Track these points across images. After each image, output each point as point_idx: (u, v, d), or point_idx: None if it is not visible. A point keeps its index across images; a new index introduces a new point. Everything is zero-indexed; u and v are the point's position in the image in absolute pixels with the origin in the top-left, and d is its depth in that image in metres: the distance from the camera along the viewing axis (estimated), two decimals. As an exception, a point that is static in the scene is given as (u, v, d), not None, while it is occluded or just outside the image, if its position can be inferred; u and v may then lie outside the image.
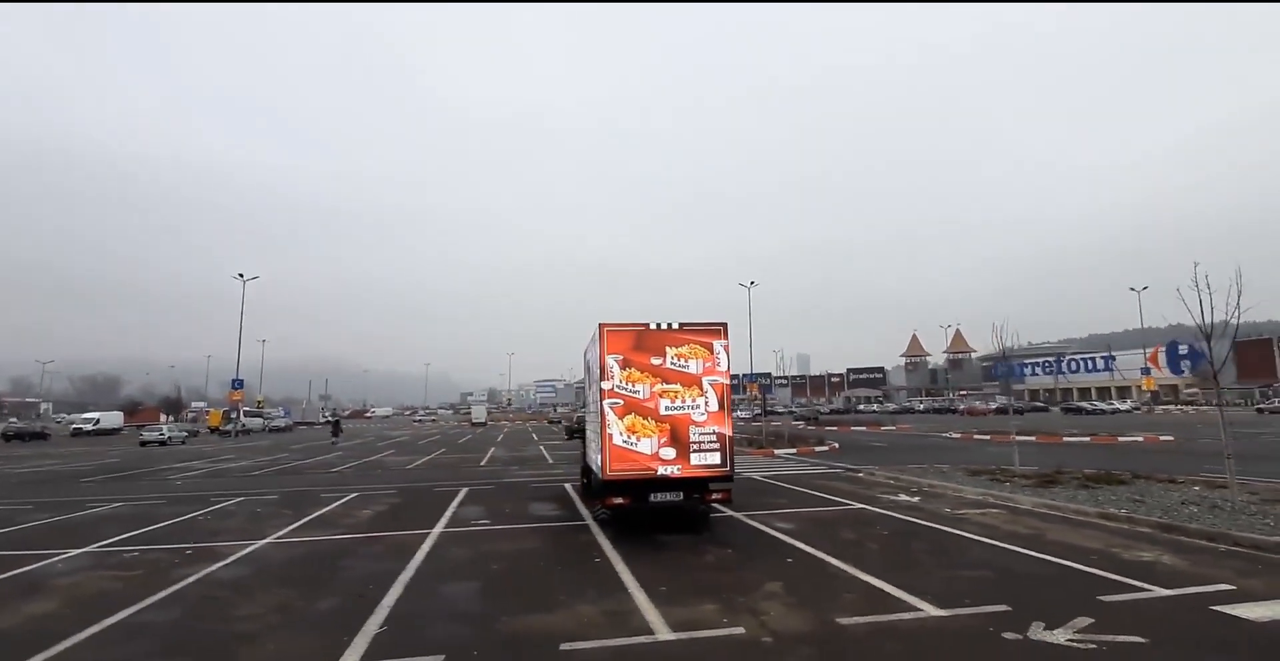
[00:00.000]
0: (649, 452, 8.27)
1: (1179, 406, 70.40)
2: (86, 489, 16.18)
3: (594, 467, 9.23)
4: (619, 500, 8.32)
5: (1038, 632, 4.66)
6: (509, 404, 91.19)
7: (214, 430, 54.38)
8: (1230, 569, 6.24)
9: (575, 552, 7.65)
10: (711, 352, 8.60)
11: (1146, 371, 74.72)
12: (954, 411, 71.37)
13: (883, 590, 5.79)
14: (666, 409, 8.38)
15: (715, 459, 8.41)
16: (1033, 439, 26.56)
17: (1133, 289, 68.86)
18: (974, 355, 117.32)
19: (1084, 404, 68.91)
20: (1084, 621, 4.84)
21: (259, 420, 58.72)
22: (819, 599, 5.57)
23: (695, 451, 8.37)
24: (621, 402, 8.31)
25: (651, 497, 8.42)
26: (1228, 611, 5.04)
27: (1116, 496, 10.12)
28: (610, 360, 8.38)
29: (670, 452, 8.32)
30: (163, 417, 69.04)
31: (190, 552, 8.05)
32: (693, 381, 8.50)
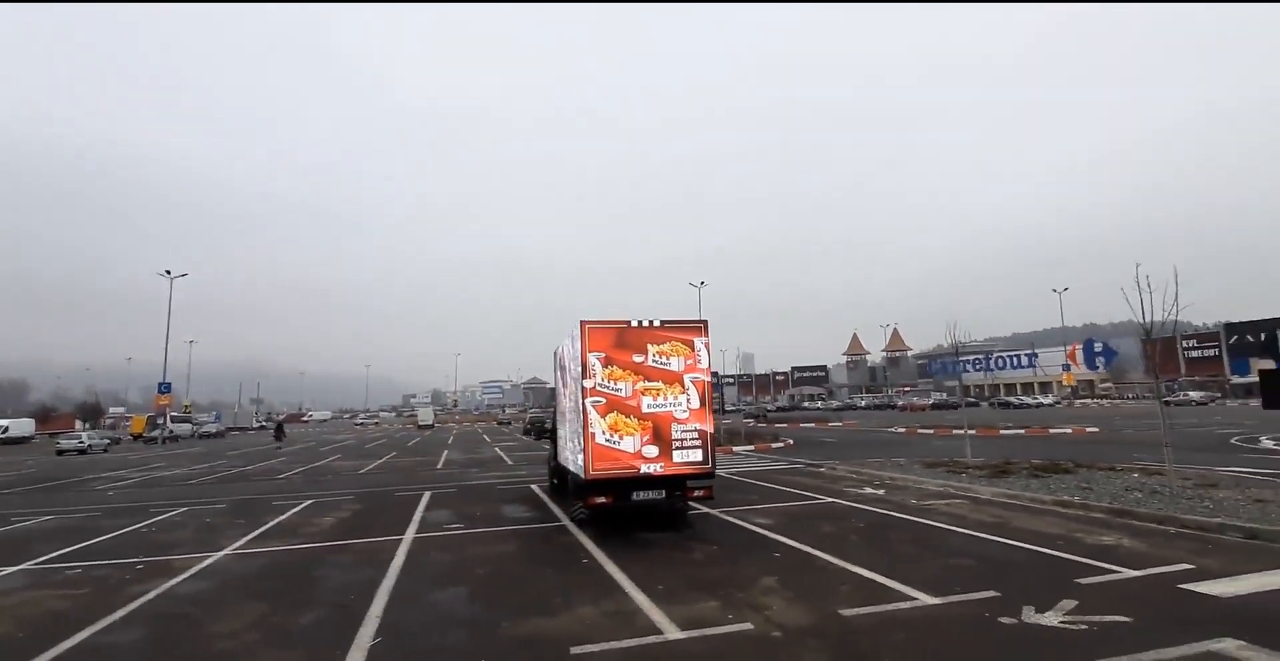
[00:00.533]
0: (632, 451, 8.21)
1: (1095, 400, 75.27)
2: (7, 501, 14.86)
3: (571, 467, 9.09)
4: (601, 499, 8.23)
5: (1030, 616, 4.85)
6: (455, 405, 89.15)
7: (137, 437, 51.06)
8: (1184, 550, 6.68)
9: (561, 554, 7.51)
10: (693, 350, 8.60)
11: (1067, 367, 79.59)
12: (894, 407, 74.27)
13: (874, 581, 5.92)
14: (649, 407, 8.34)
15: (697, 456, 8.42)
16: (973, 432, 27.87)
17: (1054, 290, 73.23)
18: (910, 353, 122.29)
19: (1011, 398, 72.70)
20: (1070, 604, 5.07)
21: (188, 426, 55.38)
22: (816, 592, 5.65)
23: (678, 449, 8.35)
24: (604, 401, 8.21)
25: (634, 496, 8.35)
26: (1195, 589, 5.38)
27: (1066, 484, 10.71)
28: (592, 358, 8.27)
29: (653, 450, 8.27)
30: (79, 425, 64.38)
31: (142, 568, 7.49)
32: (674, 379, 8.48)
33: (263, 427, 72.20)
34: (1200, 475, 11.41)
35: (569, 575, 6.56)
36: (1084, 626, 4.63)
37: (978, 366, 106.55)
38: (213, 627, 5.26)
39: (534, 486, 14.07)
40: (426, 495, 12.94)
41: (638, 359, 8.41)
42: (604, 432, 8.17)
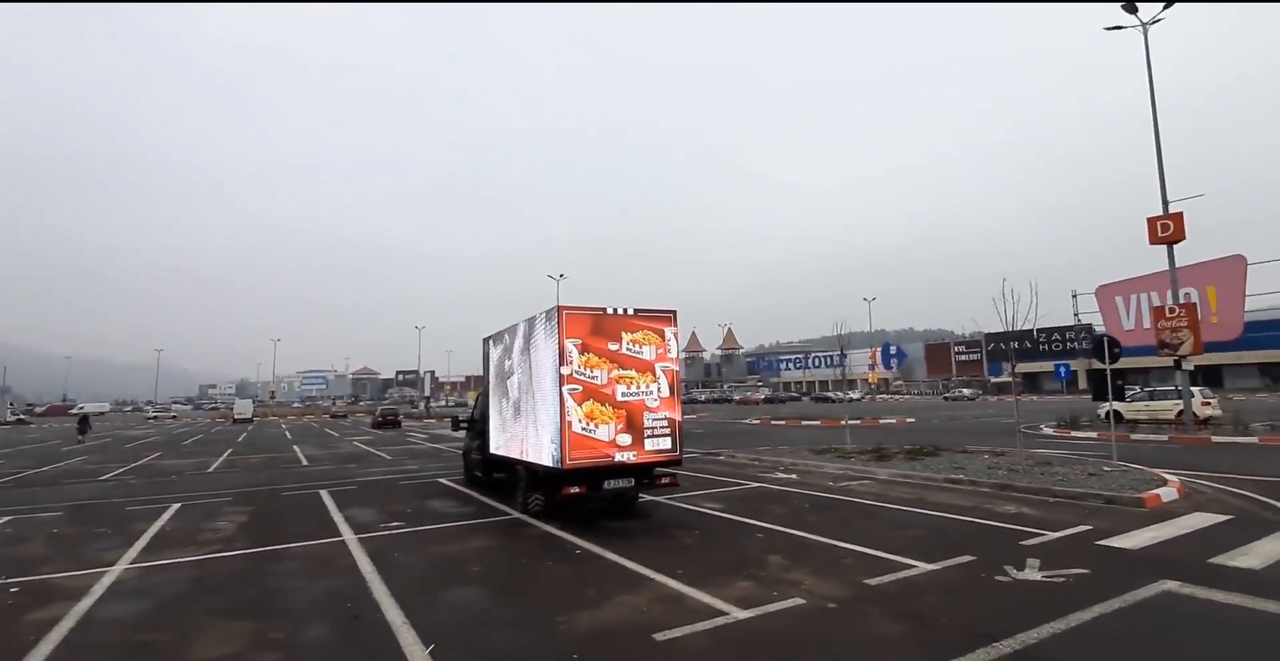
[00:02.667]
0: (607, 439, 8.11)
1: (890, 395, 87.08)
2: None
3: (534, 458, 8.70)
4: (576, 489, 8.02)
5: (1017, 574, 5.66)
6: (273, 397, 79.52)
7: None
8: (1071, 515, 8.12)
9: (545, 547, 7.23)
10: (663, 339, 8.69)
11: (872, 367, 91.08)
12: (730, 401, 79.76)
13: (867, 553, 6.49)
14: (623, 395, 8.29)
15: (667, 444, 8.54)
16: (817, 422, 30.99)
17: (865, 299, 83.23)
18: (741, 351, 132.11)
19: (829, 394, 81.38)
20: (1035, 562, 5.98)
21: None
22: (827, 566, 6.07)
23: (649, 437, 8.40)
24: (581, 388, 8.02)
25: (606, 484, 8.27)
26: (1109, 544, 6.62)
27: (942, 465, 12.42)
28: (569, 344, 8.03)
29: (626, 439, 8.24)
30: None
31: (17, 590, 5.92)
32: (647, 367, 8.51)
33: (21, 421, 59.08)
34: (1029, 455, 13.82)
35: (576, 566, 6.36)
36: (1062, 578, 5.52)
37: (798, 365, 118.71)
38: (213, 651, 4.38)
39: (443, 480, 13.22)
40: (324, 493, 11.60)
41: (613, 347, 8.32)
42: (580, 421, 7.98)
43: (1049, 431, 22.35)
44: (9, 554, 7.48)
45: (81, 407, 63.02)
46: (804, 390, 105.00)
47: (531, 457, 8.74)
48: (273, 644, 4.50)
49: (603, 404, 8.14)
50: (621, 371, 8.32)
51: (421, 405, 57.29)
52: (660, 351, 8.64)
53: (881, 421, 30.17)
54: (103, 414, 76.22)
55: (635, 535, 7.70)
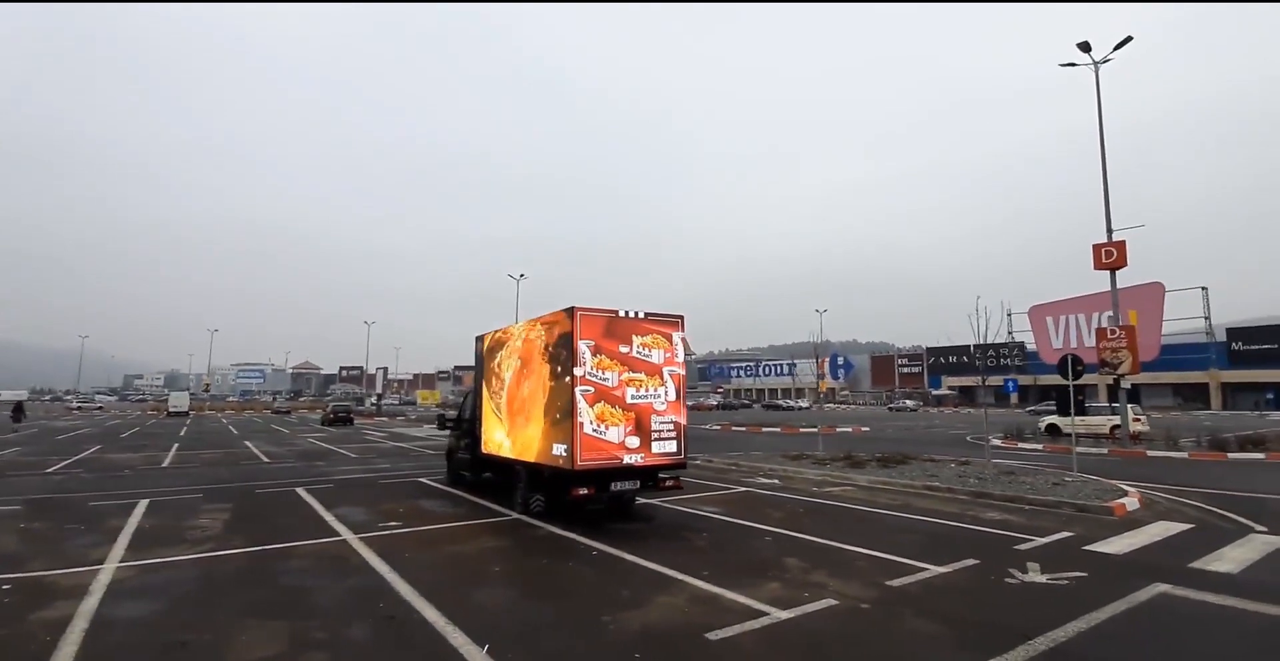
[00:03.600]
0: (616, 441, 8.16)
1: (838, 404, 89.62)
2: None
3: (538, 459, 8.64)
4: (584, 490, 8.02)
5: (1023, 577, 6.00)
6: (208, 390, 75.38)
7: None
8: (1051, 521, 8.61)
9: (559, 548, 7.21)
10: (671, 343, 8.81)
11: (821, 376, 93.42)
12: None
13: (878, 556, 6.73)
14: (632, 397, 8.35)
15: (672, 447, 8.64)
16: (778, 429, 31.68)
17: (817, 310, 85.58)
18: (693, 357, 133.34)
19: (779, 402, 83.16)
20: (1036, 565, 6.35)
21: None
22: (845, 569, 6.27)
23: (656, 440, 8.49)
24: (593, 390, 8.04)
25: (612, 486, 8.31)
26: (1096, 550, 7.08)
27: (915, 472, 12.93)
28: (583, 346, 8.05)
29: (635, 441, 8.31)
30: None
31: (10, 587, 5.53)
32: (655, 371, 8.60)
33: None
34: (993, 465, 14.54)
35: (598, 567, 6.38)
36: (1065, 581, 5.88)
37: (749, 372, 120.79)
38: (256, 652, 4.21)
39: (423, 479, 12.93)
40: (302, 491, 11.19)
41: (624, 349, 8.39)
42: (591, 422, 8.01)
43: (997, 442, 23.47)
44: None
45: (18, 396, 58.44)
46: (754, 398, 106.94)
47: (537, 458, 8.68)
48: (318, 643, 4.37)
49: (613, 406, 8.19)
50: (631, 374, 8.39)
51: (372, 402, 55.55)
52: (668, 355, 8.75)
53: (838, 429, 31.05)
54: (18, 402, 70.24)
55: (645, 537, 7.76)
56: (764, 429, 31.99)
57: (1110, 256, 22.04)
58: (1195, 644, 4.51)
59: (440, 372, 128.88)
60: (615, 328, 8.37)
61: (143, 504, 9.84)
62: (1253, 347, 64.29)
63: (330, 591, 5.60)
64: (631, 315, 8.52)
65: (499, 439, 9.97)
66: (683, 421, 8.80)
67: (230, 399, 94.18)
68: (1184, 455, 18.23)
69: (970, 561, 6.51)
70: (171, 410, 48.64)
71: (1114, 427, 25.10)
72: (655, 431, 8.50)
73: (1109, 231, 22.46)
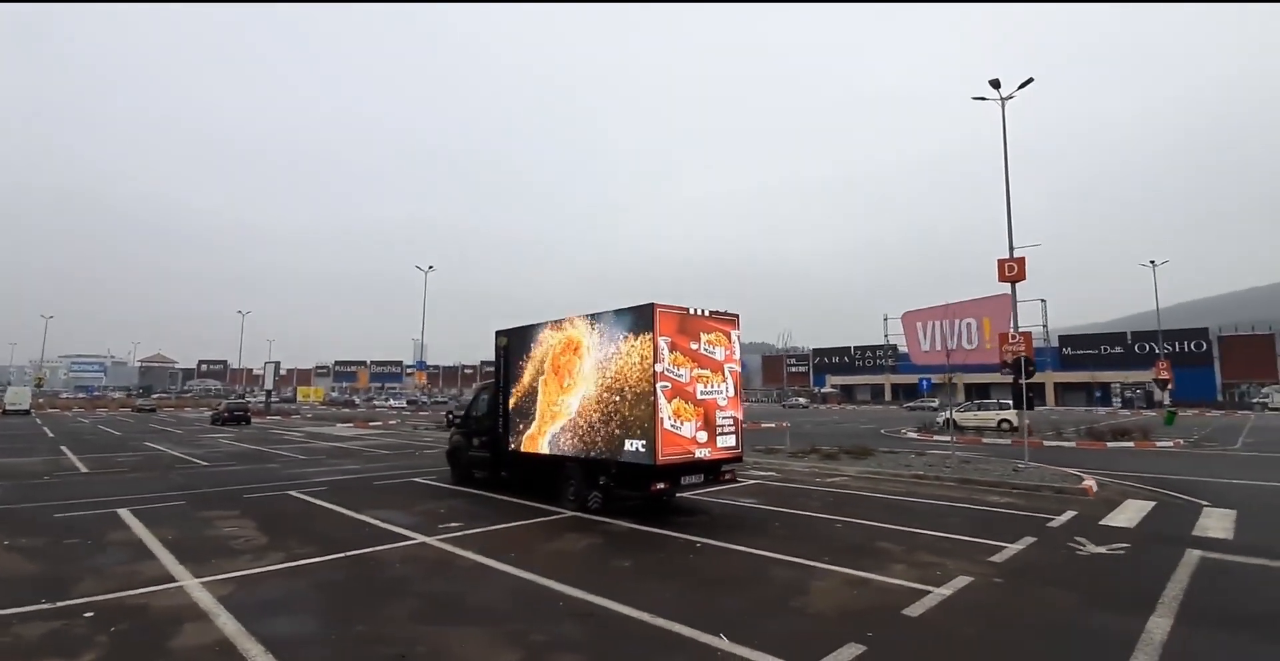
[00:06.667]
0: (689, 436, 8.30)
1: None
2: None
3: (605, 455, 8.52)
4: (661, 485, 8.10)
5: (1087, 549, 6.90)
6: (41, 385, 64.76)
7: None
8: (1050, 503, 9.76)
9: (657, 542, 7.26)
10: (730, 341, 9.07)
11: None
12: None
13: (950, 537, 7.40)
14: (701, 393, 8.53)
15: (733, 441, 8.92)
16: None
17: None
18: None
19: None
20: (1084, 540, 7.31)
21: None
22: (938, 550, 6.83)
23: (720, 434, 8.73)
24: (670, 386, 8.14)
25: (683, 480, 8.44)
26: (1110, 524, 8.21)
27: (889, 463, 14.10)
28: (662, 342, 8.12)
29: (704, 436, 8.50)
30: None
31: (92, 615, 4.74)
32: (718, 367, 8.83)
33: None
34: (947, 455, 16.10)
35: (720, 559, 6.51)
36: (1121, 551, 6.84)
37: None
38: (495, 659, 3.99)
39: (418, 479, 12.25)
40: (298, 494, 10.26)
41: (693, 346, 8.55)
42: (670, 418, 8.10)
43: (913, 435, 25.83)
44: (12, 568, 5.84)
45: None
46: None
47: (604, 454, 8.59)
48: (545, 646, 4.22)
49: (686, 401, 8.33)
50: (699, 370, 8.56)
51: (260, 399, 50.53)
52: (728, 352, 9.01)
53: (763, 425, 32.60)
54: None
55: (726, 528, 7.96)
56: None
57: (1012, 270, 24.84)
58: (1270, 591, 5.50)
59: (319, 368, 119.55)
60: (687, 325, 8.50)
61: (124, 513, 8.60)
62: (1080, 352, 75.06)
63: (482, 593, 5.35)
64: (699, 312, 8.69)
65: (546, 435, 9.66)
66: (741, 416, 9.09)
67: (62, 396, 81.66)
68: (1072, 444, 21.11)
69: (1029, 538, 7.34)
70: (9, 408, 41.49)
71: (1000, 422, 28.59)
72: (719, 426, 8.73)
73: (1010, 248, 25.43)
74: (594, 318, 9.06)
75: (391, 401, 66.43)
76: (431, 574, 5.94)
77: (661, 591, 5.42)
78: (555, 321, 9.80)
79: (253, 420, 33.69)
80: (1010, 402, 29.39)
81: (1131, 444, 20.76)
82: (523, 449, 10.08)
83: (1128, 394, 62.21)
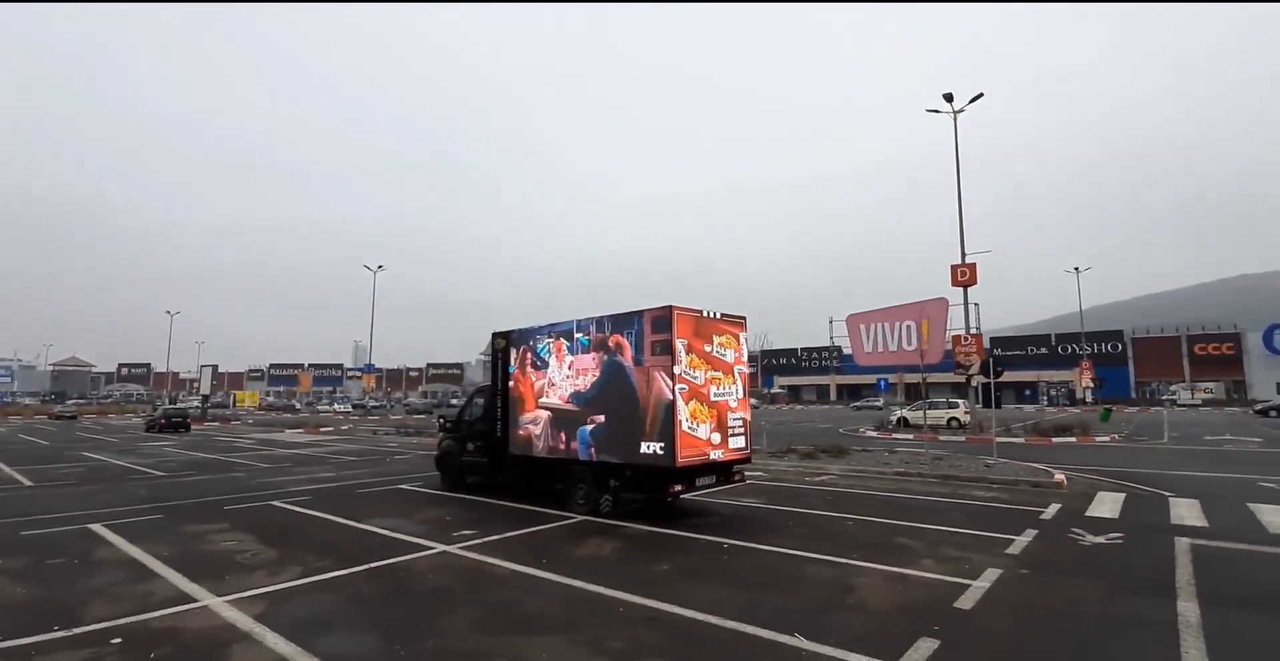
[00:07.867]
0: (704, 437, 8.35)
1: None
2: None
3: (620, 458, 8.45)
4: (679, 487, 8.11)
5: (1091, 539, 7.30)
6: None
7: None
8: (1033, 496, 10.24)
9: (681, 545, 7.25)
10: (739, 343, 9.18)
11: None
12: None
13: (961, 531, 7.71)
14: (714, 395, 8.59)
15: (743, 442, 9.03)
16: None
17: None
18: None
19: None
20: (1080, 531, 7.74)
21: None
22: (956, 544, 7.10)
23: (731, 435, 8.81)
24: (687, 388, 8.16)
25: (698, 481, 8.47)
26: (1095, 515, 8.72)
27: (868, 461, 14.53)
28: (679, 344, 8.13)
29: (717, 437, 8.56)
30: None
31: (120, 640, 4.37)
32: (729, 369, 8.92)
33: None
34: (918, 453, 16.70)
35: (753, 559, 6.58)
36: (1119, 541, 7.27)
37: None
38: (585, 670, 3.91)
39: (404, 486, 11.84)
40: (283, 503, 9.75)
41: (707, 348, 8.60)
42: (687, 420, 8.12)
43: (873, 434, 26.67)
44: (30, 594, 5.30)
45: None
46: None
47: (618, 457, 8.51)
48: (627, 652, 4.17)
49: (701, 403, 8.38)
50: (712, 372, 8.63)
51: (195, 405, 47.59)
52: (737, 354, 9.11)
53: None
54: None
55: (746, 528, 8.03)
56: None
57: (964, 275, 26.17)
58: (1268, 574, 5.96)
59: (252, 371, 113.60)
60: (702, 327, 8.54)
61: (100, 529, 7.98)
62: (1009, 353, 79.28)
63: (536, 601, 5.23)
64: (711, 315, 8.75)
65: (550, 438, 9.49)
66: (749, 417, 9.20)
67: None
68: (1021, 440, 22.28)
69: (1031, 531, 7.71)
70: (-96, 417, 37.72)
71: (950, 419, 29.90)
72: (731, 427, 8.81)
73: (963, 254, 26.68)
74: (602, 320, 8.98)
75: (337, 406, 64.00)
76: (471, 584, 5.76)
77: (713, 593, 5.42)
78: (555, 323, 9.67)
79: (192, 427, 31.79)
80: (959, 401, 31.06)
81: (1074, 439, 22.05)
82: (524, 452, 9.88)
83: (1053, 392, 66.21)
